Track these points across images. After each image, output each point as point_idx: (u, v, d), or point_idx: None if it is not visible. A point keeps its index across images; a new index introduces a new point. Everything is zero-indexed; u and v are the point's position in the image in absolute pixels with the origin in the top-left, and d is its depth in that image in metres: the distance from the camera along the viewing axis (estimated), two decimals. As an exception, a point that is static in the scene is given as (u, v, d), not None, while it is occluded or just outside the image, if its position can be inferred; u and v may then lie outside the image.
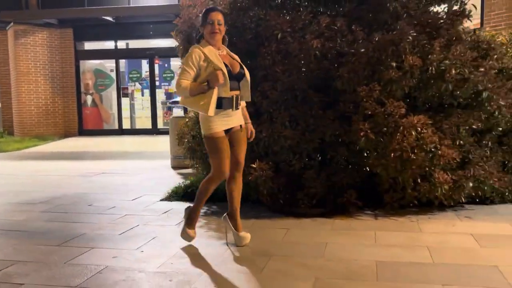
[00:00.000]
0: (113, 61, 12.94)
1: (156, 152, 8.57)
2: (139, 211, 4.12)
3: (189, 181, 4.89)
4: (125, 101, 13.08)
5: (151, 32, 12.46)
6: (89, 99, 13.06)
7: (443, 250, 2.82)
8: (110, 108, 13.23)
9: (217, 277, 2.51)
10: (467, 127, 3.80)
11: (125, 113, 13.09)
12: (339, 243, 3.04)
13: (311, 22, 4.10)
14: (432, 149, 3.50)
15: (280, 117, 3.92)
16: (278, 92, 3.95)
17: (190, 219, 3.11)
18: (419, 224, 3.42)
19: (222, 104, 2.86)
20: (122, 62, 13.41)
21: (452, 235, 3.13)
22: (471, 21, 3.99)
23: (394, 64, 3.58)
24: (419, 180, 3.62)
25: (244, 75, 2.98)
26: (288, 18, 4.22)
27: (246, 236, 3.07)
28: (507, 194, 3.93)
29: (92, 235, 3.40)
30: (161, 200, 4.57)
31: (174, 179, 5.65)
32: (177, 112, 12.62)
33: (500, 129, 4.06)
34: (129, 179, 5.88)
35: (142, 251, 2.98)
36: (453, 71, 3.54)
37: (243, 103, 3.08)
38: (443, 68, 3.57)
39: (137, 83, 13.42)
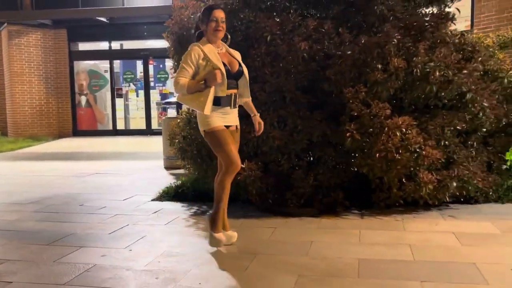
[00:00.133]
0: (107, 61, 12.97)
1: (149, 153, 8.61)
2: (130, 211, 4.17)
3: (180, 182, 4.94)
4: (119, 102, 13.10)
5: (145, 33, 12.51)
6: (83, 99, 13.07)
7: (425, 248, 2.89)
8: (104, 109, 13.25)
9: (203, 274, 2.56)
10: (452, 128, 3.87)
11: (119, 113, 13.12)
12: (324, 242, 3.10)
13: (300, 24, 4.16)
14: (417, 150, 3.57)
15: (268, 118, 3.98)
16: (267, 94, 4.01)
17: (213, 223, 2.98)
18: (403, 223, 3.49)
19: (220, 101, 2.89)
20: (117, 62, 13.43)
21: (435, 234, 3.20)
22: (454, 24, 4.06)
23: (379, 66, 3.65)
24: (404, 180, 3.69)
25: (242, 73, 2.99)
26: (278, 20, 4.28)
27: (233, 235, 3.13)
28: (491, 193, 4.01)
29: (82, 234, 3.44)
30: (152, 200, 4.61)
31: (167, 180, 5.70)
32: (172, 112, 12.67)
33: (485, 130, 4.14)
34: (122, 180, 5.92)
35: (131, 250, 3.03)
36: (437, 73, 3.61)
37: (249, 96, 3.09)
38: (427, 70, 3.65)
39: (131, 84, 13.45)
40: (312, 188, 3.89)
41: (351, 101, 3.66)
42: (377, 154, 3.54)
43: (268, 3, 4.66)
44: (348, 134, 3.64)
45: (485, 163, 4.29)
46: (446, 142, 3.87)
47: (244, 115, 3.90)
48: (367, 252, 2.86)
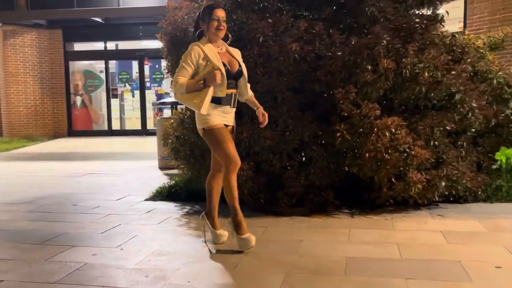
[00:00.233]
0: (103, 62, 12.97)
1: (144, 153, 8.63)
2: (123, 211, 4.19)
3: (173, 182, 4.97)
4: (114, 102, 13.11)
5: (140, 33, 12.52)
6: (78, 100, 13.07)
7: (412, 247, 2.93)
8: (100, 109, 13.25)
9: (193, 272, 2.60)
10: (441, 128, 3.91)
11: (115, 114, 13.13)
12: (314, 240, 3.14)
13: (293, 25, 4.20)
14: (406, 150, 3.61)
15: (257, 119, 4.01)
16: (258, 94, 4.02)
17: (238, 226, 2.92)
18: (393, 222, 3.53)
19: (221, 100, 2.89)
20: (112, 63, 13.44)
21: (423, 232, 3.25)
22: (443, 26, 4.11)
23: (369, 67, 3.69)
24: (394, 179, 3.73)
25: (242, 73, 3.00)
26: (270, 21, 4.31)
27: (224, 233, 3.16)
28: (479, 193, 4.06)
29: (74, 234, 3.46)
30: (145, 200, 4.64)
31: (161, 180, 5.72)
32: (168, 113, 12.68)
33: (474, 130, 4.20)
34: (116, 180, 5.95)
35: (122, 249, 3.06)
36: (426, 74, 3.66)
37: (250, 91, 3.09)
38: (416, 71, 3.69)
39: (126, 84, 13.46)
40: (304, 187, 3.92)
41: (341, 101, 3.70)
42: (367, 154, 3.59)
43: (261, 4, 4.69)
44: (338, 134, 3.68)
45: (474, 163, 4.34)
46: (436, 142, 3.91)
47: (235, 116, 3.94)
48: (355, 250, 2.90)
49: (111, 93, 13.01)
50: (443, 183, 3.75)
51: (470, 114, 3.97)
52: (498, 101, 4.68)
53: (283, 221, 3.67)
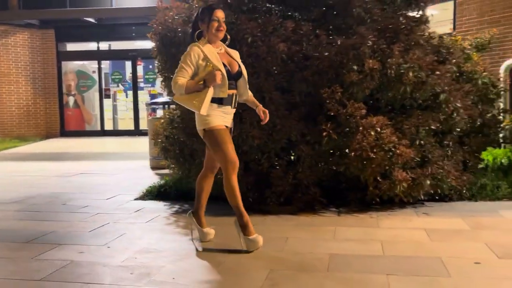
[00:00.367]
0: (96, 62, 12.96)
1: (136, 153, 8.63)
2: (112, 210, 4.21)
3: (163, 181, 4.99)
4: (107, 102, 13.10)
5: (133, 34, 12.53)
6: (71, 100, 13.05)
7: (395, 244, 2.98)
8: (92, 109, 13.23)
9: (178, 270, 2.63)
10: (426, 128, 3.97)
11: (108, 114, 13.11)
12: (299, 238, 3.18)
13: (282, 26, 4.24)
14: (391, 149, 3.66)
15: (248, 118, 4.05)
16: (247, 94, 4.08)
17: (245, 227, 2.89)
18: (378, 220, 3.58)
19: (222, 101, 2.89)
20: (106, 63, 13.43)
21: (407, 230, 3.30)
22: (428, 27, 4.17)
23: (355, 67, 3.74)
24: (379, 178, 3.78)
25: (241, 74, 3.00)
26: (259, 22, 4.35)
27: (210, 232, 3.19)
28: (464, 191, 4.12)
29: (62, 232, 3.48)
30: (135, 199, 4.65)
31: (152, 180, 5.73)
32: (161, 113, 12.67)
33: (459, 129, 4.26)
34: (107, 179, 5.96)
35: (109, 247, 3.08)
36: (411, 74, 3.72)
37: (249, 91, 3.08)
38: (402, 71, 3.75)
39: (119, 85, 13.45)
40: (291, 186, 3.96)
41: (328, 101, 3.75)
42: (353, 153, 3.64)
43: (250, 5, 4.73)
44: (325, 134, 3.73)
45: (460, 162, 4.40)
46: (421, 142, 3.97)
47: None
48: (339, 247, 2.94)
49: (103, 93, 13.00)
50: (428, 182, 3.81)
51: (455, 114, 4.03)
52: (484, 101, 4.76)
53: (270, 219, 3.70)
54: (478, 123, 4.62)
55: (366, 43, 3.70)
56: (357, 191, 3.95)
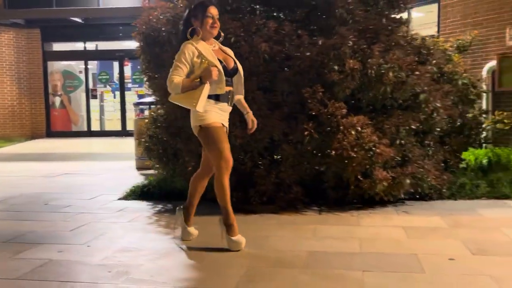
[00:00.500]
0: (82, 62, 12.87)
1: (123, 154, 8.58)
2: (94, 209, 4.19)
3: (147, 181, 4.98)
4: (94, 103, 13.00)
5: (120, 34, 12.46)
6: (57, 100, 12.93)
7: (373, 241, 3.02)
8: (79, 110, 13.13)
9: (156, 268, 2.63)
10: (407, 127, 4.03)
11: (94, 114, 13.02)
12: (280, 236, 3.20)
13: (265, 26, 4.27)
14: (372, 148, 3.71)
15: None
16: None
17: (230, 228, 2.90)
18: (358, 219, 3.62)
19: (219, 97, 2.86)
20: (93, 63, 13.33)
21: (386, 228, 3.35)
22: (407, 28, 4.23)
23: (336, 67, 3.78)
24: (360, 177, 3.82)
25: (237, 70, 2.98)
26: (243, 22, 4.37)
27: (194, 232, 3.20)
28: (444, 190, 4.18)
29: (42, 232, 3.46)
30: (118, 199, 4.63)
31: (136, 180, 5.70)
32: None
33: (439, 129, 4.33)
34: (91, 179, 5.92)
35: (89, 246, 3.07)
36: (391, 74, 3.77)
37: (240, 95, 3.04)
38: (382, 71, 3.80)
39: (107, 85, 13.35)
40: (274, 185, 3.99)
41: (309, 101, 3.79)
42: (334, 152, 3.67)
43: (234, 5, 4.75)
44: (306, 133, 3.76)
45: (441, 162, 4.47)
46: (402, 141, 4.02)
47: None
48: (318, 245, 2.97)
49: (90, 94, 12.90)
50: (408, 181, 3.86)
51: (434, 114, 4.10)
52: (464, 101, 4.85)
53: (252, 218, 3.72)
54: (459, 123, 4.70)
55: (347, 44, 3.74)
56: (338, 190, 3.98)
